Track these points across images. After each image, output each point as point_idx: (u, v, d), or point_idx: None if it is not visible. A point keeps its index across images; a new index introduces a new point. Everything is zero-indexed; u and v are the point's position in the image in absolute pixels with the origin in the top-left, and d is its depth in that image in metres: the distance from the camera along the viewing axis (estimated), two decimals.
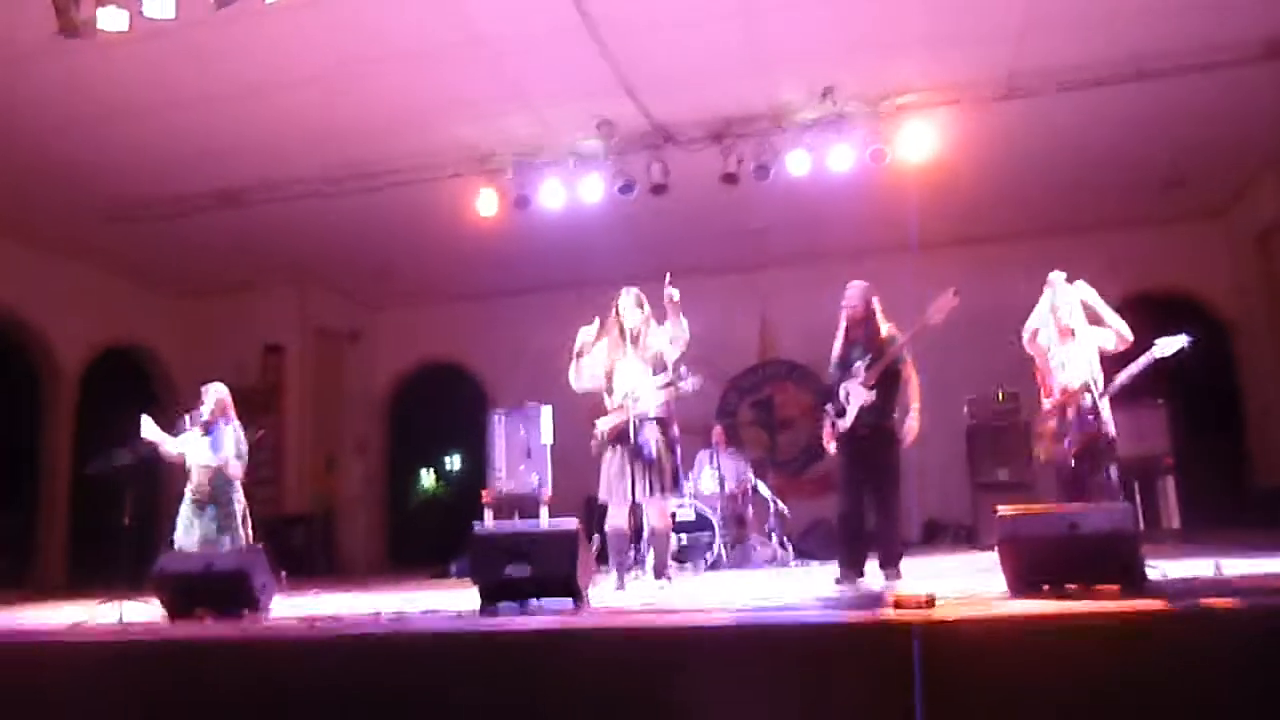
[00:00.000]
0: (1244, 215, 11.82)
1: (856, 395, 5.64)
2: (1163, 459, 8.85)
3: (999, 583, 4.12)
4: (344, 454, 14.35)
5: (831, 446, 5.85)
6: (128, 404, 12.42)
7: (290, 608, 5.48)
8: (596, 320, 5.91)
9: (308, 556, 12.14)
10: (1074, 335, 5.40)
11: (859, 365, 5.68)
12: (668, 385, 5.67)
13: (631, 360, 5.75)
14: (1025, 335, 5.64)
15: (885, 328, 5.73)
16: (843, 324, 5.86)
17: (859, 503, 5.75)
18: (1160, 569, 4.45)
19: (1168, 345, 5.24)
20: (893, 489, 5.66)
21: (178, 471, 6.90)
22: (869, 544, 5.80)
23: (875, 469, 5.66)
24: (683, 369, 5.68)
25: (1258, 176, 11.08)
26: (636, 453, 5.53)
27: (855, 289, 5.83)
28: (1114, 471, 5.28)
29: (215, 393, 6.89)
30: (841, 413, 5.71)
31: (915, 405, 5.62)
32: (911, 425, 5.59)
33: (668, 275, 5.62)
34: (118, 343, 12.89)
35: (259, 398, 12.85)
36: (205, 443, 6.70)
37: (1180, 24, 7.73)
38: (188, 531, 6.64)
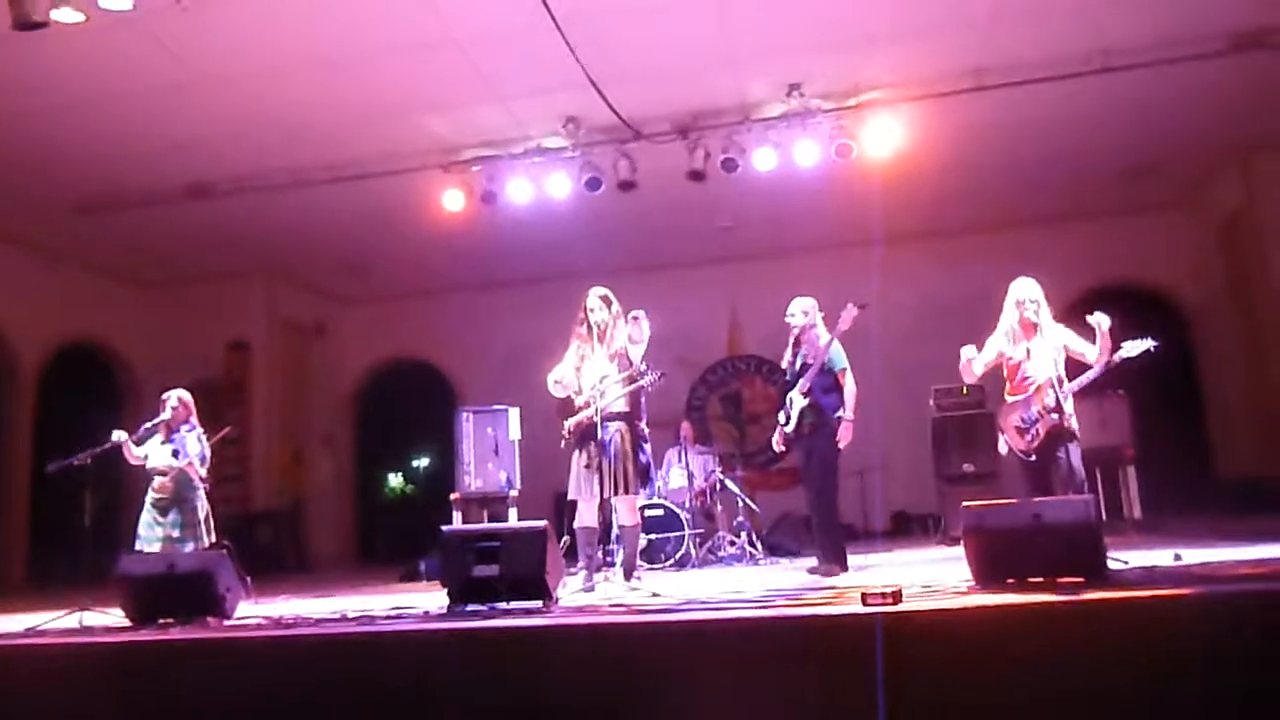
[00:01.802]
0: (1207, 207, 11.98)
1: (797, 401, 6.14)
2: (1125, 449, 8.94)
3: (965, 574, 4.15)
4: (311, 449, 14.22)
5: (780, 448, 6.40)
6: (89, 401, 12.35)
7: (257, 612, 5.40)
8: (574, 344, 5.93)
9: (276, 553, 12.04)
10: (1038, 330, 5.43)
11: (798, 373, 6.23)
12: (628, 380, 5.67)
13: (599, 357, 5.77)
14: (983, 365, 5.65)
15: (824, 337, 6.16)
16: (790, 337, 6.36)
17: None
18: (1122, 559, 4.51)
19: (1133, 348, 5.29)
20: (824, 482, 6.11)
21: (139, 473, 6.82)
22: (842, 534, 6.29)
23: (811, 464, 6.15)
24: (642, 365, 5.71)
25: (1221, 168, 11.22)
26: (602, 449, 5.54)
27: (796, 304, 6.35)
28: (1076, 459, 5.30)
29: (177, 397, 6.84)
30: (787, 418, 6.20)
31: (848, 415, 6.07)
32: (843, 434, 6.04)
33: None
34: (79, 338, 12.67)
35: (225, 393, 12.72)
36: (168, 448, 6.64)
37: (1144, 18, 7.81)
38: (150, 535, 6.58)
